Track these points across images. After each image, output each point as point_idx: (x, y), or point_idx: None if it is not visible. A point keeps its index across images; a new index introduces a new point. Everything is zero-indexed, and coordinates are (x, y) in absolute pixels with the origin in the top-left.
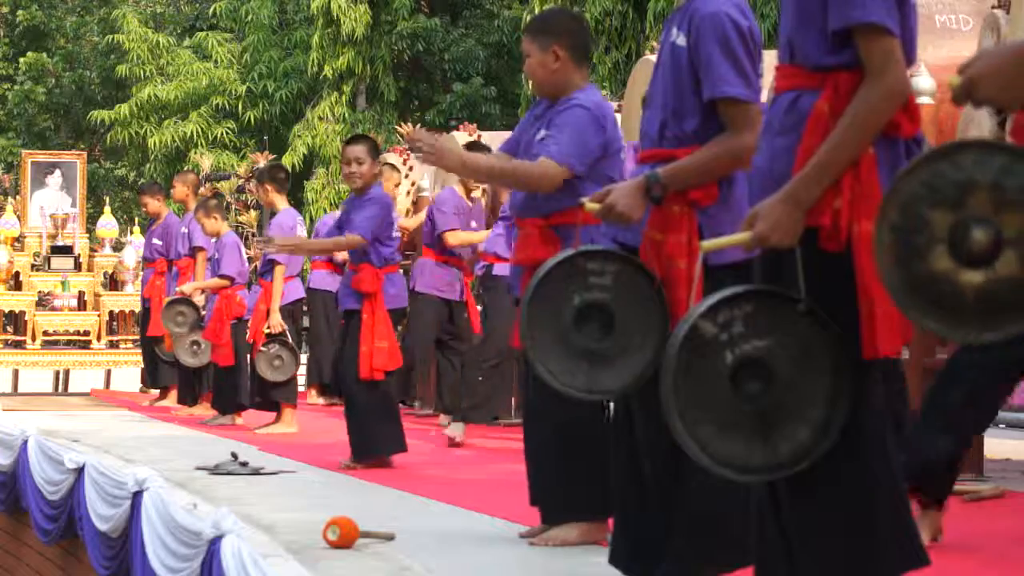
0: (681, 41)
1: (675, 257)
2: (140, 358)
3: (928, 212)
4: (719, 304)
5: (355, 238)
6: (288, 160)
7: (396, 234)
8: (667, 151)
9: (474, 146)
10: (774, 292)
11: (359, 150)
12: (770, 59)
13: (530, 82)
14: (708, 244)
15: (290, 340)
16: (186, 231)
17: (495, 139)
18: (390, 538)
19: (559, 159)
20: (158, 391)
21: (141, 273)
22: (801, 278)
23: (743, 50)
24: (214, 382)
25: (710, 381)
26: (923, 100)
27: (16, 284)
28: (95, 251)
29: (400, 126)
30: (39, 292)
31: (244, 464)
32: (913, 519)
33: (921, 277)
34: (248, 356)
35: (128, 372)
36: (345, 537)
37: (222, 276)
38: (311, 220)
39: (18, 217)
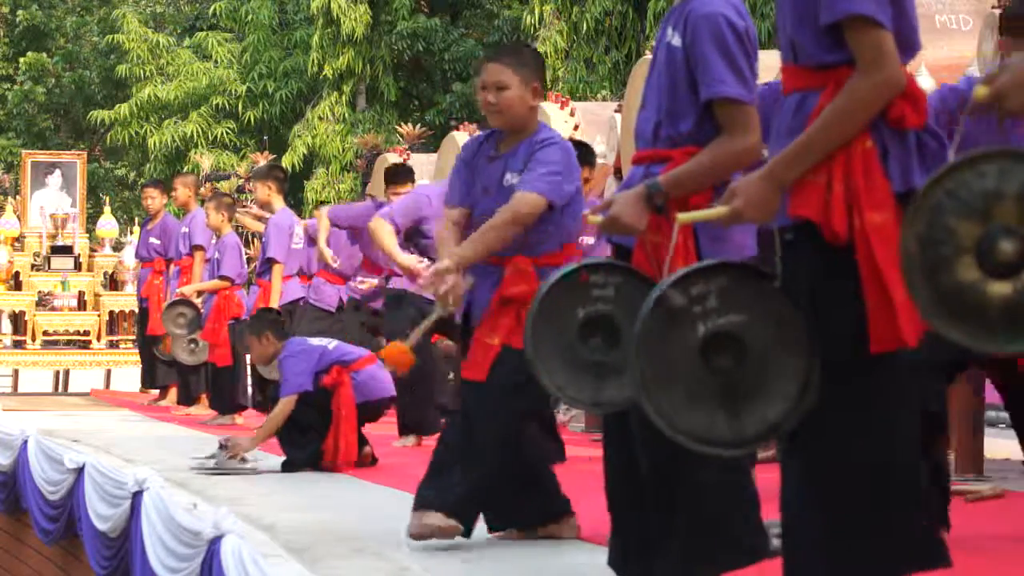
0: (676, 41)
1: (672, 258)
2: (139, 358)
3: (954, 222)
4: (691, 275)
5: (289, 400)
6: (288, 160)
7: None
8: (662, 151)
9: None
10: (748, 267)
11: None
12: (768, 60)
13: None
14: (684, 216)
15: None
16: (186, 230)
17: None
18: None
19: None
20: (158, 391)
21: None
22: (778, 256)
23: (739, 51)
24: (212, 382)
25: (679, 352)
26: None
27: (16, 284)
28: (95, 251)
29: (400, 126)
30: (39, 292)
31: (243, 460)
32: (932, 517)
33: (947, 287)
34: (247, 356)
35: (128, 372)
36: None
37: (222, 277)
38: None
39: (18, 217)
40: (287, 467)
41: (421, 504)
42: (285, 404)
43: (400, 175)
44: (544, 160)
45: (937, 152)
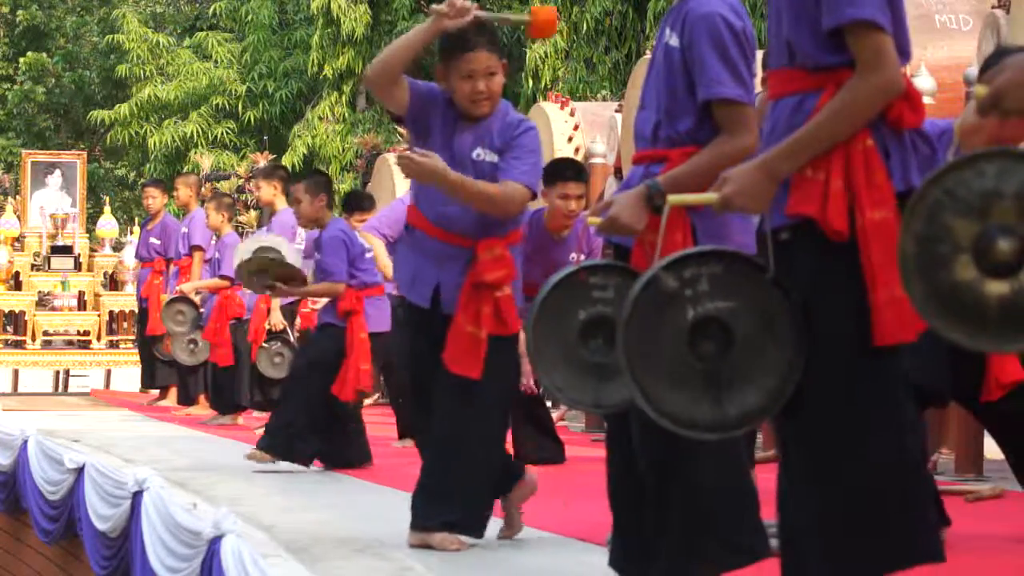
0: (674, 42)
1: (665, 247)
2: (139, 358)
3: (952, 221)
4: (685, 259)
5: (336, 286)
6: (288, 160)
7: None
8: (661, 151)
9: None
10: (742, 256)
11: (298, 188)
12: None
13: (481, 102)
14: (675, 199)
15: (291, 338)
16: (186, 231)
17: None
18: None
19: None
20: (158, 391)
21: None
22: (771, 251)
23: (737, 51)
24: (213, 382)
25: (668, 334)
26: (923, 100)
27: (16, 284)
28: (95, 251)
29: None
30: (39, 292)
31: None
32: (931, 513)
33: (945, 286)
34: (248, 356)
35: (128, 372)
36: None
37: (222, 277)
38: None
39: (18, 217)
40: (270, 443)
41: (422, 527)
42: (336, 287)
43: (364, 201)
44: (529, 147)
45: (928, 156)
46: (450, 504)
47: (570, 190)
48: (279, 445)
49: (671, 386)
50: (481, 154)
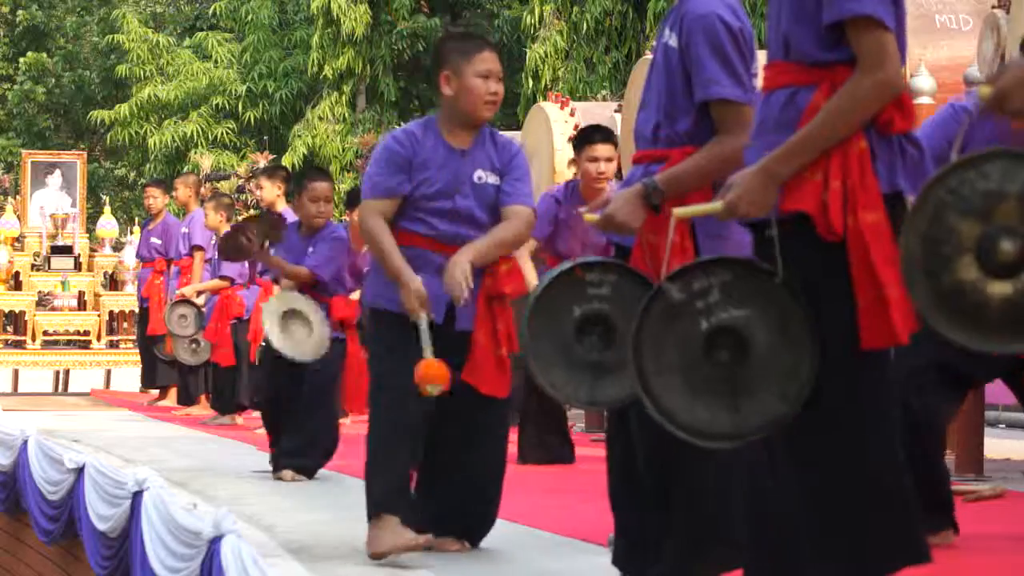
0: (673, 42)
1: (670, 256)
2: (140, 358)
3: (956, 222)
4: (693, 269)
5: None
6: (288, 160)
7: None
8: (661, 151)
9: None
10: (750, 263)
11: (327, 188)
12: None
13: (485, 108)
14: (680, 211)
15: None
16: (187, 231)
17: None
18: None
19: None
20: (158, 391)
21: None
22: (778, 251)
23: (734, 51)
24: (214, 382)
25: (681, 346)
26: (923, 100)
27: (16, 284)
28: (95, 251)
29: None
30: (39, 292)
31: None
32: (917, 515)
33: (948, 287)
34: (248, 355)
35: (128, 372)
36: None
37: (222, 277)
38: None
39: (18, 217)
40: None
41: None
42: (305, 275)
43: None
44: (525, 168)
45: (918, 160)
46: (459, 515)
47: (598, 152)
48: (312, 465)
49: (688, 398)
50: (483, 176)
